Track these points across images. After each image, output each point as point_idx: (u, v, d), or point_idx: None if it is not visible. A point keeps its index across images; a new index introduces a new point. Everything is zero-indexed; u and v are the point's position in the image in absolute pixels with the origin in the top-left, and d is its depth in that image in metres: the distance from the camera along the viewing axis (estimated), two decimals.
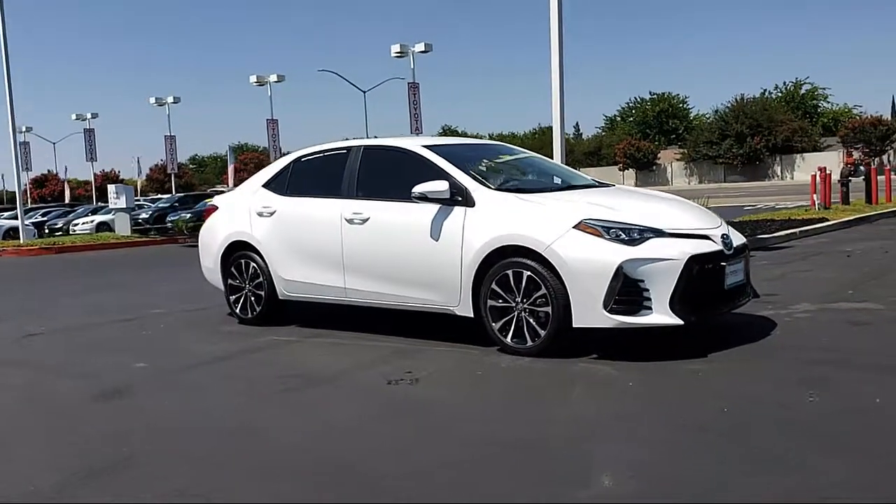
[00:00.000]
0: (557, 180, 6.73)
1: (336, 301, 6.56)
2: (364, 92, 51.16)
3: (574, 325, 5.15)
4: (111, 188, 23.36)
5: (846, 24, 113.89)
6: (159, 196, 36.98)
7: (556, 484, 3.22)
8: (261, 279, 6.98)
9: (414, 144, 6.31)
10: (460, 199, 5.69)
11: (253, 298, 7.09)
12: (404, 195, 5.95)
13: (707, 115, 73.25)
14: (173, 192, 42.45)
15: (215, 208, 7.68)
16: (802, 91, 74.76)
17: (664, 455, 3.50)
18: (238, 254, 7.18)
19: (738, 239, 5.69)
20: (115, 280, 12.57)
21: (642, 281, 5.02)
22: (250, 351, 6.12)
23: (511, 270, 5.37)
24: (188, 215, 27.20)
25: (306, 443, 3.88)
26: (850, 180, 19.78)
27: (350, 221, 6.26)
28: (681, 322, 5.03)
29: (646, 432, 3.82)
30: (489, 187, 5.75)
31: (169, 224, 27.65)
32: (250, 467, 3.55)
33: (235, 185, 40.02)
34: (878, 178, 20.63)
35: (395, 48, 34.98)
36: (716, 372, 4.78)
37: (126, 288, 11.30)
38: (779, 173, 59.87)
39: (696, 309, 5.17)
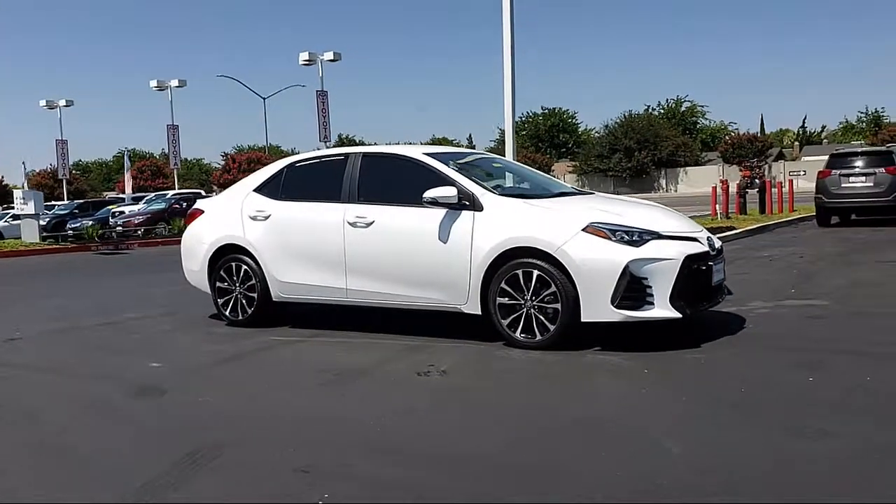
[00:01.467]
0: (535, 186, 7.22)
1: (336, 302, 6.80)
2: (264, 99, 50.72)
3: (583, 320, 5.63)
4: (17, 193, 22.36)
5: (720, 45, 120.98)
6: (52, 203, 35.32)
7: (630, 453, 3.65)
8: (253, 281, 7.12)
9: (416, 152, 6.65)
10: (468, 203, 6.07)
11: (244, 301, 7.22)
12: (409, 200, 6.31)
13: (595, 130, 76.28)
14: (65, 199, 40.59)
15: (200, 212, 7.74)
16: (683, 108, 79.08)
17: (710, 428, 4.00)
18: (228, 257, 7.29)
19: (717, 242, 6.33)
20: (55, 286, 12.23)
21: (646, 278, 5.56)
22: (260, 350, 6.29)
23: (521, 270, 5.79)
24: (90, 223, 26.41)
25: (386, 427, 4.16)
26: (746, 192, 21.38)
27: (353, 225, 6.53)
28: (679, 315, 5.59)
29: (682, 410, 4.33)
30: (494, 193, 6.17)
31: (70, 231, 26.74)
32: (353, 448, 3.82)
33: (133, 191, 38.84)
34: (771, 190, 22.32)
35: (304, 56, 34.91)
36: (715, 360, 5.35)
37: (74, 294, 11.05)
38: (664, 186, 62.94)
39: (691, 303, 5.75)
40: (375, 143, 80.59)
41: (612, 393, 4.78)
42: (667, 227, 5.90)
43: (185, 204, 27.72)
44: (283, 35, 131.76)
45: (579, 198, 6.64)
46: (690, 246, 5.82)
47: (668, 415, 4.25)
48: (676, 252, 5.67)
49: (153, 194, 30.88)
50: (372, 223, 6.45)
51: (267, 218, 7.07)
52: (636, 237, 5.66)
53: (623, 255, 5.54)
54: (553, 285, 5.66)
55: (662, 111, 76.90)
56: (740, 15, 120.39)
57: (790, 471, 3.34)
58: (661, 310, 5.57)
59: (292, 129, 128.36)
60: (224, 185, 44.09)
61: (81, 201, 33.24)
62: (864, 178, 17.07)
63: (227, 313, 7.34)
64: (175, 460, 3.72)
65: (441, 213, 6.14)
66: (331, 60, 35.25)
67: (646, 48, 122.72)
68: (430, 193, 6.09)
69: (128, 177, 38.69)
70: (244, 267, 7.18)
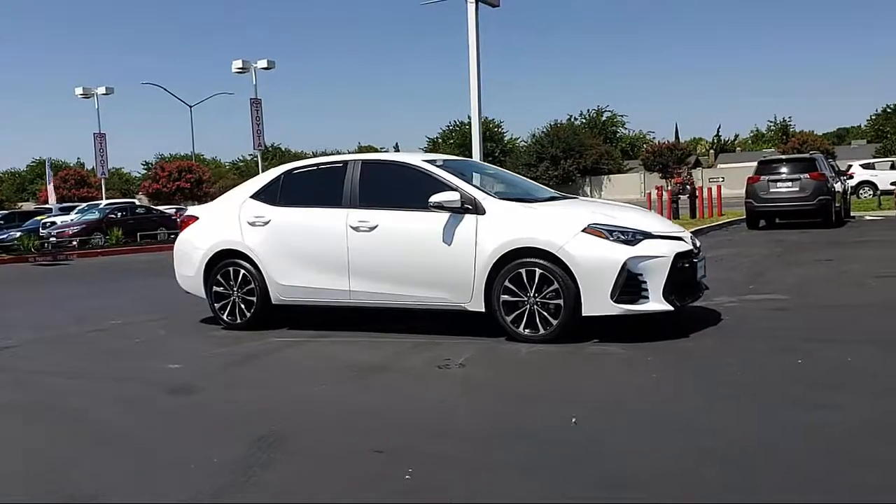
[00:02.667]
0: (524, 190, 7.65)
1: (338, 303, 7.06)
2: (190, 107, 49.94)
3: (584, 314, 6.06)
4: None
5: (636, 57, 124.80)
6: None
7: (666, 429, 4.06)
8: (252, 285, 7.32)
9: (416, 159, 6.99)
10: (470, 207, 6.43)
11: (242, 304, 7.40)
12: (411, 205, 6.65)
13: (519, 139, 77.70)
14: None
15: (194, 219, 7.88)
16: (604, 118, 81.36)
17: (728, 405, 4.44)
18: (225, 262, 7.46)
19: (697, 241, 6.87)
20: (13, 297, 12.04)
21: (641, 275, 6.03)
22: (271, 350, 6.49)
23: (524, 269, 6.18)
24: (18, 234, 25.59)
25: (432, 413, 4.49)
26: (679, 197, 22.43)
27: (356, 229, 6.81)
28: (671, 308, 6.09)
29: (694, 391, 4.78)
30: (495, 197, 6.56)
31: None
32: (411, 432, 4.13)
33: (57, 201, 37.67)
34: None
35: (237, 64, 34.63)
36: (707, 347, 5.86)
37: (39, 303, 10.94)
38: (589, 193, 64.52)
39: (680, 297, 6.26)
40: (303, 152, 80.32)
41: (625, 379, 5.20)
42: (655, 228, 6.40)
43: (119, 214, 27.26)
44: (216, 43, 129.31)
45: (570, 201, 7.10)
46: (678, 245, 6.33)
47: (683, 395, 4.69)
48: (667, 250, 6.16)
49: (85, 204, 30.11)
50: (375, 227, 6.74)
51: (266, 223, 7.27)
52: (631, 237, 6.12)
53: (621, 253, 6.00)
54: (555, 282, 6.07)
55: (584, 121, 78.87)
56: (652, 26, 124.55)
57: (814, 436, 3.81)
58: (656, 303, 6.05)
59: (217, 137, 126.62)
60: (153, 195, 43.18)
61: (7, 212, 32.14)
62: (790, 184, 18.19)
63: (224, 317, 7.50)
64: (249, 447, 3.94)
65: (444, 216, 6.48)
66: (265, 68, 35.07)
67: (565, 59, 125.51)
68: (435, 198, 6.42)
69: (51, 187, 37.46)
70: (242, 271, 7.36)
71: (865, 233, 16.11)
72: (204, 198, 44.94)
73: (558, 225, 6.21)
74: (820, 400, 4.41)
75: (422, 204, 6.54)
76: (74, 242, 24.06)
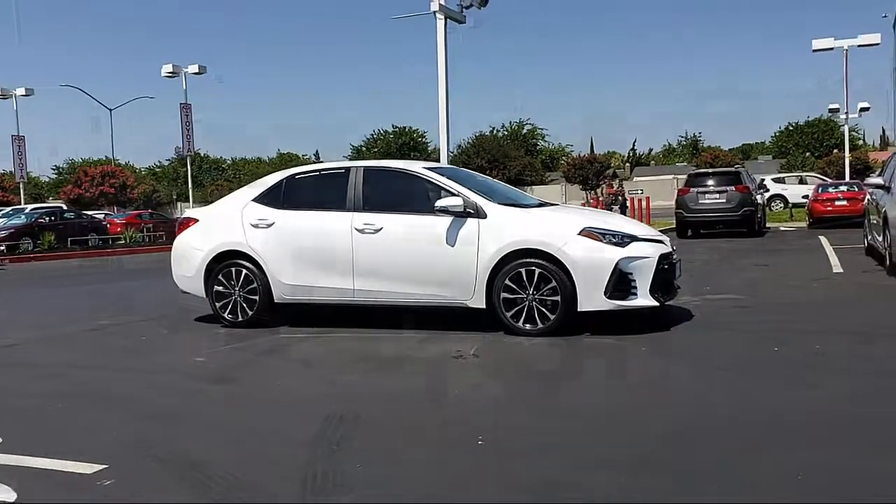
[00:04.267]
0: (515, 198, 8.19)
1: (341, 302, 7.45)
2: (111, 110, 48.71)
3: (579, 310, 6.65)
4: None
5: (555, 72, 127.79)
6: None
7: (687, 403, 4.66)
8: (255, 285, 7.63)
9: (417, 167, 7.47)
10: (472, 211, 6.96)
11: (244, 304, 7.70)
12: (413, 209, 7.15)
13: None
14: None
15: (194, 221, 8.12)
16: (524, 131, 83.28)
17: (727, 384, 5.08)
18: (227, 262, 7.75)
19: (673, 244, 7.58)
20: None
21: (631, 273, 6.66)
22: (285, 346, 6.84)
23: (524, 269, 6.74)
24: None
25: (477, 394, 4.98)
26: (612, 207, 23.51)
27: (361, 231, 7.23)
28: (657, 304, 6.75)
29: (695, 373, 5.40)
30: (494, 202, 7.10)
31: None
32: (468, 408, 4.62)
33: None
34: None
35: (167, 68, 34.08)
36: (693, 339, 6.53)
37: (12, 306, 10.84)
38: None
39: (664, 294, 6.94)
40: (221, 158, 79.19)
41: (632, 365, 5.80)
42: (640, 232, 7.06)
43: (48, 218, 26.56)
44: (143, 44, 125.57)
45: (560, 207, 7.73)
46: (660, 247, 7.00)
47: (688, 377, 5.32)
48: (652, 251, 6.83)
49: (9, 209, 29.16)
50: (380, 229, 7.18)
51: (270, 225, 7.60)
52: (621, 239, 6.75)
53: (614, 254, 6.62)
54: (553, 281, 6.64)
55: (506, 132, 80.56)
56: (566, 39, 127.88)
57: (812, 407, 4.48)
58: (644, 299, 6.70)
59: (130, 142, 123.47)
60: (75, 200, 41.87)
61: None
62: (717, 196, 19.40)
63: (225, 315, 7.77)
64: (323, 424, 4.30)
65: (447, 220, 6.97)
66: (196, 73, 34.67)
67: (487, 69, 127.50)
68: (441, 203, 6.92)
69: None
70: (244, 271, 7.67)
71: (787, 242, 17.37)
72: (128, 203, 43.92)
73: (556, 228, 6.79)
74: (805, 379, 5.10)
75: (425, 208, 7.04)
76: (3, 247, 23.39)
